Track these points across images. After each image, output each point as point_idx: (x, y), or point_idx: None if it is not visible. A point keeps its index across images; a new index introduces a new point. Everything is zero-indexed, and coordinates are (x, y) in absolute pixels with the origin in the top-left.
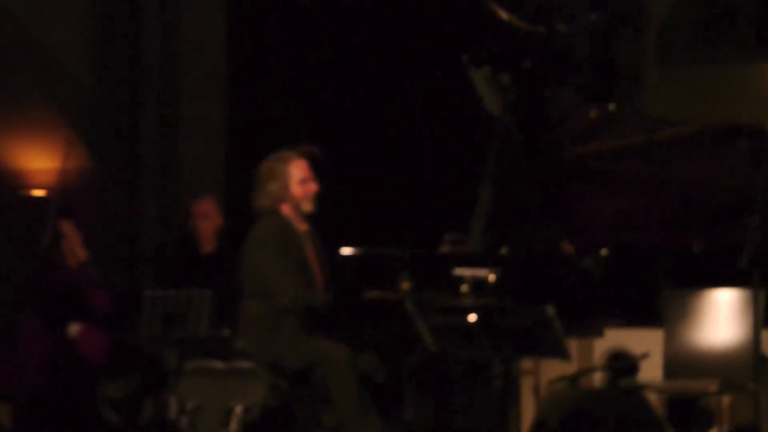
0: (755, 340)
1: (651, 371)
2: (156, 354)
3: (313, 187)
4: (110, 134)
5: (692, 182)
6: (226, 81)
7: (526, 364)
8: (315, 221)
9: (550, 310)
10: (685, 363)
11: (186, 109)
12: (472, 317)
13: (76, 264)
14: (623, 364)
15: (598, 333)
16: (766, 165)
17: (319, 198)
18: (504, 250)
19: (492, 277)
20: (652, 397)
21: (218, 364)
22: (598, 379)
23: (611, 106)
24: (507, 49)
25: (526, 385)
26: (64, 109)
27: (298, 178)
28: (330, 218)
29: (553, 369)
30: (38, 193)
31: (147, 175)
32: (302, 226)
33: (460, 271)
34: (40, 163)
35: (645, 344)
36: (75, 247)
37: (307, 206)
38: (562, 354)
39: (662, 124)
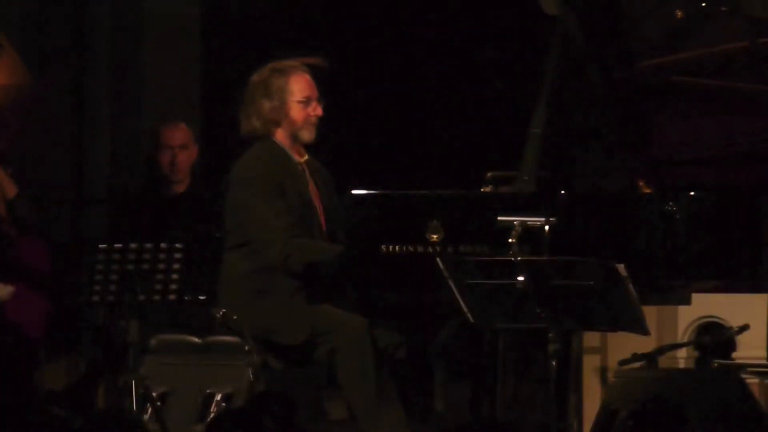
0: None
1: (753, 348)
2: (111, 325)
3: (317, 110)
4: (53, 41)
5: None
6: None
7: (591, 339)
8: (320, 154)
9: (622, 269)
10: None
11: (148, 9)
12: (522, 278)
13: (2, 204)
14: (716, 339)
15: (685, 299)
16: None
17: (326, 125)
18: (563, 192)
19: (547, 226)
20: (753, 381)
21: (192, 339)
22: (683, 358)
23: (703, 3)
24: None
25: (591, 366)
26: None
27: (299, 96)
28: (341, 150)
29: (625, 345)
30: None
31: (99, 95)
32: (301, 158)
33: (507, 219)
34: None
35: (745, 314)
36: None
37: (307, 135)
38: (638, 326)
39: None
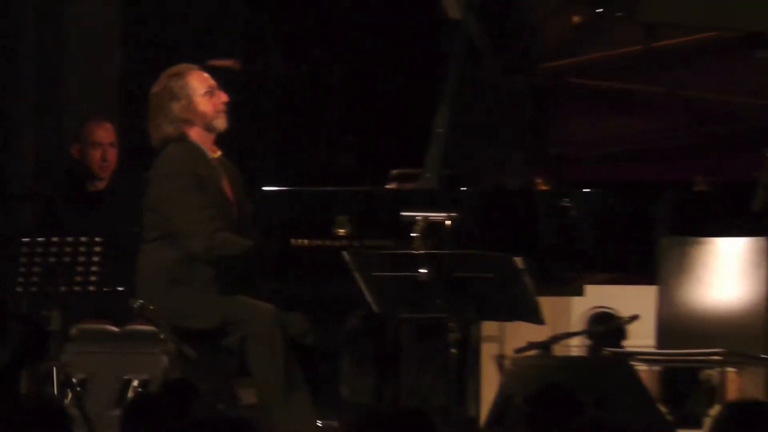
0: None
1: (642, 337)
2: (34, 314)
3: (222, 97)
4: None
5: (698, 102)
6: None
7: (489, 328)
8: (231, 152)
9: (520, 261)
10: (682, 327)
11: (70, 15)
12: (424, 270)
13: None
14: (607, 328)
15: (578, 291)
16: None
17: (237, 126)
18: (464, 188)
19: (449, 221)
20: (642, 369)
21: (111, 328)
22: (576, 346)
23: (599, 9)
24: None
25: (489, 354)
26: None
27: (202, 90)
28: (251, 150)
29: (521, 334)
30: None
31: (23, 95)
32: (215, 154)
33: (410, 214)
34: None
35: (635, 304)
36: None
37: (221, 122)
38: (533, 316)
39: (662, 30)
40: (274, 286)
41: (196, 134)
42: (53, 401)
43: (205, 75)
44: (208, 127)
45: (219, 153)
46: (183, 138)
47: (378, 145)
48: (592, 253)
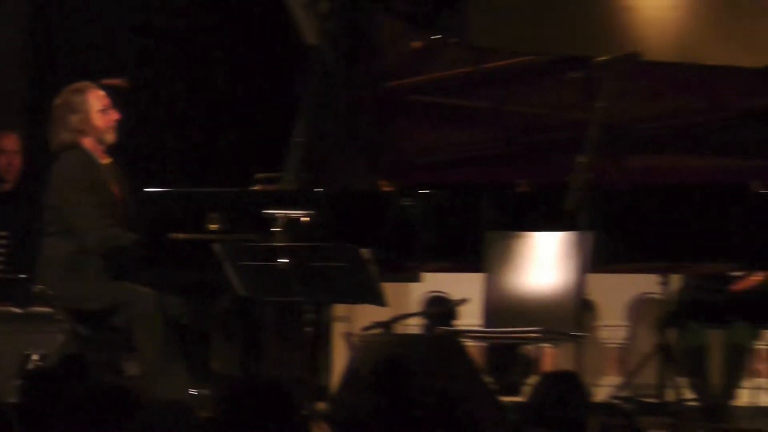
0: (578, 286)
1: (470, 317)
2: None
3: (114, 115)
4: None
5: (520, 116)
6: None
7: (340, 309)
8: (119, 158)
9: (366, 252)
10: (505, 309)
11: None
12: (284, 260)
13: None
14: (440, 309)
15: (416, 277)
16: (596, 99)
17: (124, 133)
18: (319, 189)
19: (305, 218)
20: (470, 345)
21: (14, 309)
22: (414, 325)
23: (435, 36)
24: None
25: (339, 332)
26: None
27: (98, 107)
28: (135, 155)
29: (367, 315)
30: None
31: None
32: (105, 160)
33: (272, 212)
34: None
35: (464, 289)
36: None
37: (110, 136)
38: (377, 299)
39: (489, 54)
40: (156, 273)
41: (89, 143)
42: None
43: (102, 93)
44: (100, 140)
45: (109, 160)
46: (77, 146)
47: (244, 150)
48: (428, 245)
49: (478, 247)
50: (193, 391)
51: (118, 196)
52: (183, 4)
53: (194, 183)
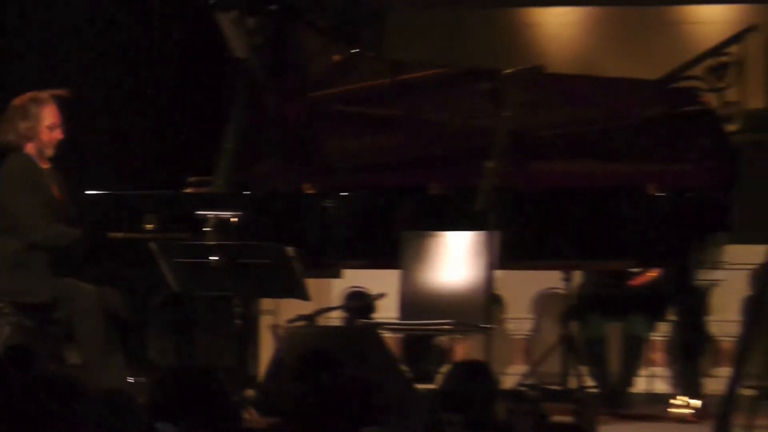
0: (487, 281)
1: (388, 311)
2: None
3: (59, 134)
4: None
5: (433, 124)
6: None
7: (267, 303)
8: (61, 161)
9: (290, 250)
10: (420, 303)
11: None
12: (214, 258)
13: None
14: (360, 303)
15: (337, 273)
16: (503, 108)
17: (65, 140)
18: (247, 192)
19: (234, 218)
20: (388, 336)
21: None
22: (335, 318)
23: (354, 50)
24: None
25: (266, 324)
26: None
27: (48, 122)
28: (75, 159)
29: (292, 308)
30: None
31: None
32: (45, 165)
33: (203, 213)
34: None
35: (382, 285)
36: None
37: (50, 151)
38: (301, 294)
39: (405, 66)
40: (96, 269)
41: (31, 149)
42: None
43: (56, 110)
44: (41, 150)
45: (48, 165)
46: (19, 149)
47: (178, 156)
48: (348, 244)
49: (394, 245)
50: (130, 380)
51: (58, 197)
52: (120, 17)
53: (131, 186)
